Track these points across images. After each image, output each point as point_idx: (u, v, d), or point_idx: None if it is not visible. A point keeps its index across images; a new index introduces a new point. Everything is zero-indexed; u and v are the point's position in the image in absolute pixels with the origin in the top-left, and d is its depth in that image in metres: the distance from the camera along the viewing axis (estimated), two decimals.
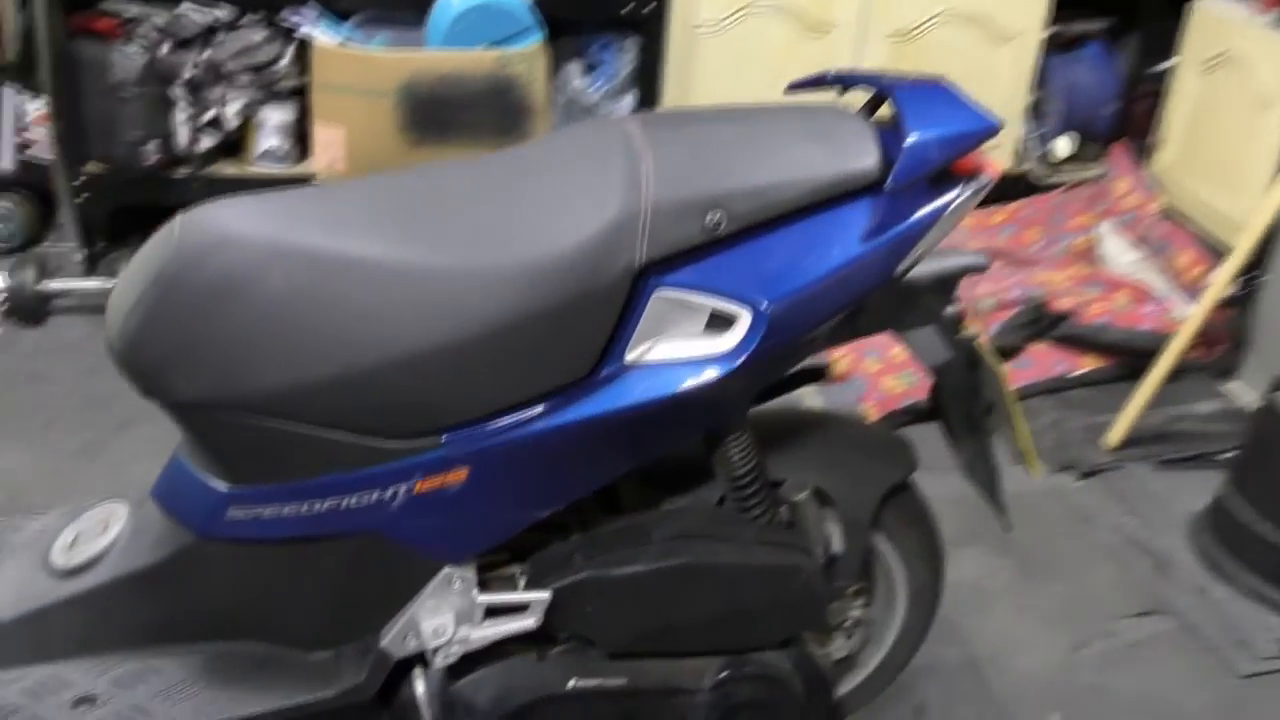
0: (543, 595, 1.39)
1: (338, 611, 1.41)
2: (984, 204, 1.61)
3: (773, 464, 1.52)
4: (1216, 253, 2.92)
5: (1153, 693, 2.08)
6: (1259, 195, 2.67)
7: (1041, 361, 2.88)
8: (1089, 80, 3.40)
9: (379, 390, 1.23)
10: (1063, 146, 3.47)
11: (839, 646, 1.70)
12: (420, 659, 1.43)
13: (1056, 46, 3.39)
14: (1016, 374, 2.82)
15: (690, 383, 1.28)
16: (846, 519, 1.56)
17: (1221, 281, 2.63)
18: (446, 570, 1.36)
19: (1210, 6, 3.09)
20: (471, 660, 1.45)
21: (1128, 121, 3.44)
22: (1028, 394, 2.83)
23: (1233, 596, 2.28)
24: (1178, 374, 2.89)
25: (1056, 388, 2.87)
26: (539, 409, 1.28)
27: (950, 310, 1.48)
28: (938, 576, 1.73)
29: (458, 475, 1.30)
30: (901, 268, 1.32)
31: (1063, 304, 2.84)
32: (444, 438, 1.28)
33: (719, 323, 1.29)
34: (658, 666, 1.50)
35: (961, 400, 1.55)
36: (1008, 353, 2.83)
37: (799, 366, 1.44)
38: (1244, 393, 2.90)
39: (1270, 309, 2.88)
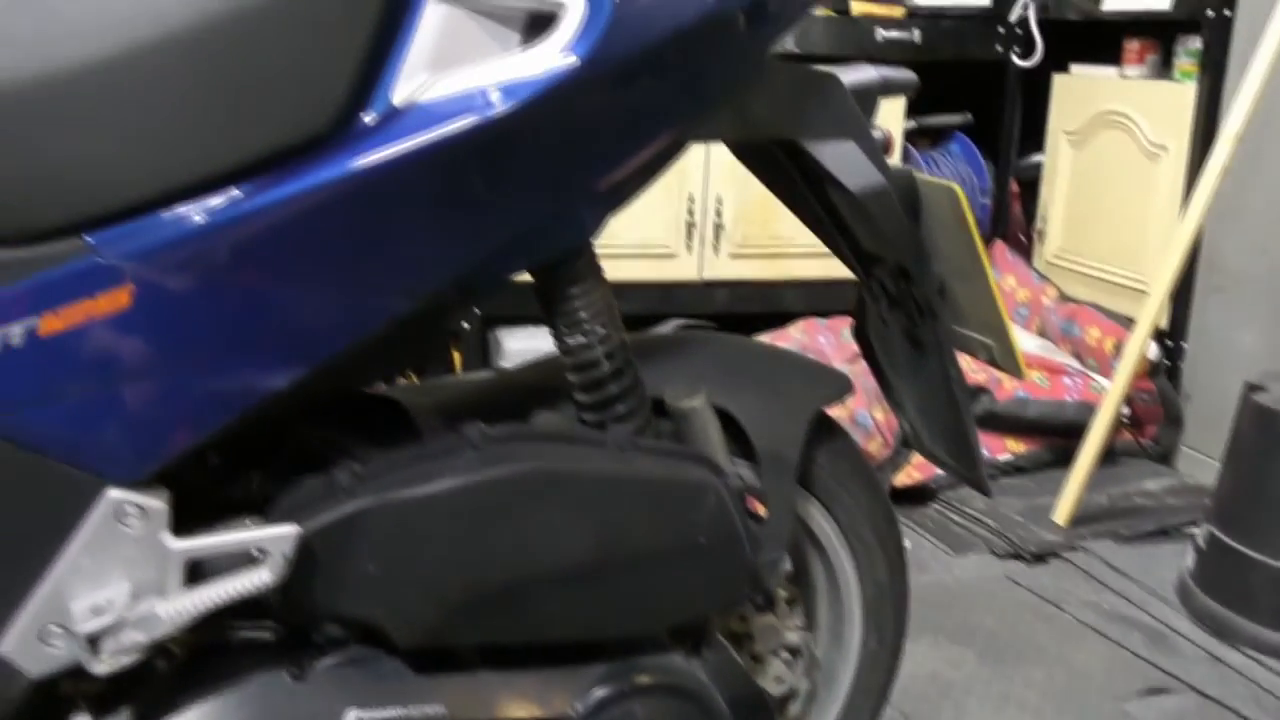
0: (285, 531, 0.82)
1: None
2: None
3: (651, 381, 1.02)
4: (1126, 322, 2.58)
5: None
6: (1158, 254, 2.38)
7: None
8: (956, 176, 3.15)
9: None
10: None
11: (774, 677, 1.13)
12: (79, 679, 0.83)
13: (920, 143, 3.16)
14: (930, 467, 2.36)
15: (499, 107, 0.79)
16: (763, 450, 1.04)
17: (1137, 346, 2.27)
18: (110, 495, 0.80)
19: (1074, 77, 2.91)
20: (172, 681, 0.86)
21: (1001, 220, 3.18)
22: (950, 485, 2.37)
23: (1253, 659, 1.78)
24: (1116, 458, 2.50)
25: None
26: (250, 187, 0.77)
27: (877, 132, 1.05)
28: (901, 573, 1.20)
29: (114, 300, 0.76)
30: None
31: (975, 379, 2.43)
32: (89, 238, 0.76)
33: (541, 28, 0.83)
34: (493, 682, 0.92)
35: (900, 266, 1.09)
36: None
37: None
38: (1192, 470, 2.49)
39: (1197, 372, 2.53)
